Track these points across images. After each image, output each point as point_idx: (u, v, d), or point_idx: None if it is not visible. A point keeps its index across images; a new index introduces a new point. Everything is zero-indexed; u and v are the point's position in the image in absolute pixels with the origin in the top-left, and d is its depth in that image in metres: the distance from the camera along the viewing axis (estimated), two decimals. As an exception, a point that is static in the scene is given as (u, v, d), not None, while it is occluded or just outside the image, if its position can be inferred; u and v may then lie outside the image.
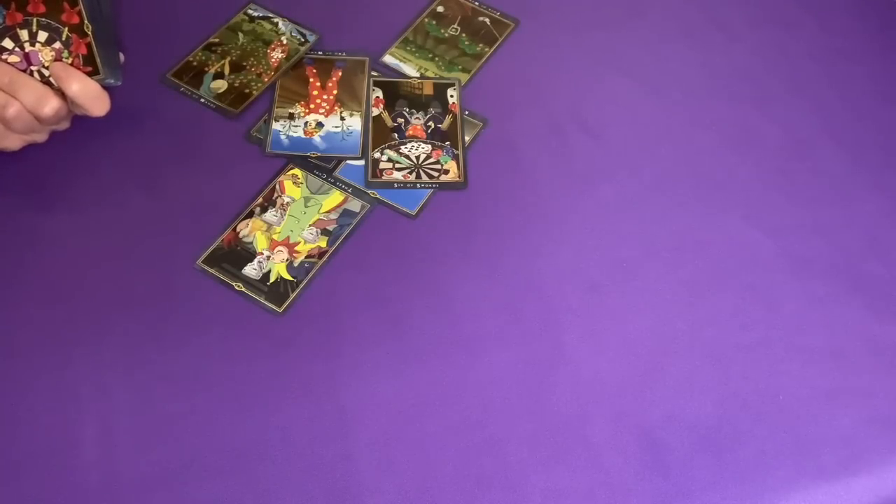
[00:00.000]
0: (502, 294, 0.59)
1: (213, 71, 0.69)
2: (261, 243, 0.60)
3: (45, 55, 0.57)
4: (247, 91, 0.68)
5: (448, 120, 0.68)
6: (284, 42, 0.71)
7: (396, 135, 0.66)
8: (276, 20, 0.73)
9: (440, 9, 0.75)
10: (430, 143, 0.66)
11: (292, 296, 0.58)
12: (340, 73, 0.69)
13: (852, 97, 0.71)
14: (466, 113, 0.68)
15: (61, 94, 0.57)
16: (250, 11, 0.73)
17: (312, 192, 0.63)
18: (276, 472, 0.51)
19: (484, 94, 0.70)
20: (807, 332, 0.58)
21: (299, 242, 0.61)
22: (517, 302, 0.58)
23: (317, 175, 0.64)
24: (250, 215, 0.62)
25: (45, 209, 0.61)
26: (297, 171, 0.64)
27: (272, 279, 0.59)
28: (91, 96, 0.57)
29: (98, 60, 0.58)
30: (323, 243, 0.61)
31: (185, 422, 0.53)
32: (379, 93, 0.69)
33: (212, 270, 0.59)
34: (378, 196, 0.63)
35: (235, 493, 0.50)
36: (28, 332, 0.56)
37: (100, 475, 0.50)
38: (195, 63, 0.70)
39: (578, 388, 0.55)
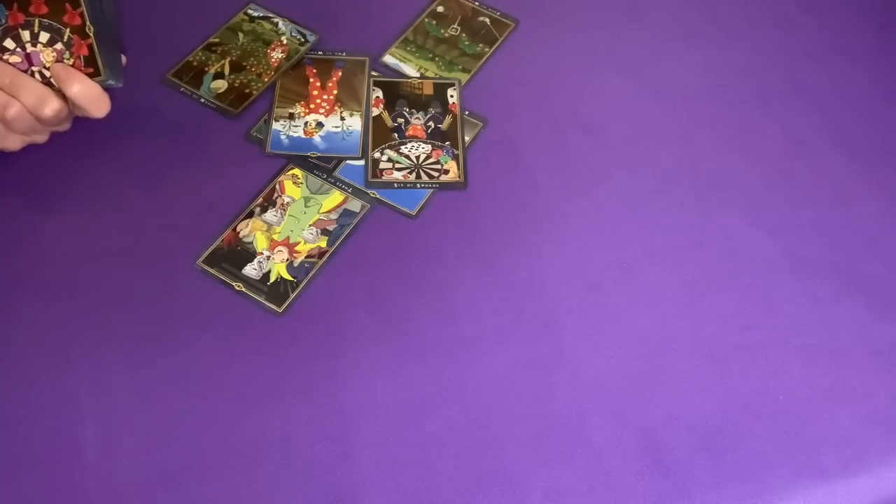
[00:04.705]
0: (502, 294, 0.59)
1: (213, 71, 0.69)
2: (261, 243, 0.60)
3: (47, 56, 0.57)
4: (247, 91, 0.68)
5: (448, 120, 0.68)
6: (284, 42, 0.71)
7: (396, 135, 0.67)
8: (276, 20, 0.73)
9: (440, 9, 0.75)
10: (430, 143, 0.66)
11: (292, 296, 0.58)
12: (340, 73, 0.69)
13: (852, 97, 0.71)
14: (466, 113, 0.68)
15: (62, 95, 0.57)
16: (250, 11, 0.73)
17: (312, 192, 0.63)
18: (276, 472, 0.51)
19: (484, 94, 0.70)
20: (807, 332, 0.58)
21: (299, 242, 0.61)
22: (517, 302, 0.58)
23: (317, 175, 0.64)
24: (250, 215, 0.62)
25: (45, 209, 0.61)
26: (297, 171, 0.64)
27: (272, 279, 0.59)
28: (92, 98, 0.57)
29: (99, 62, 0.58)
30: (323, 243, 0.61)
31: (186, 422, 0.53)
32: (379, 93, 0.69)
33: (212, 270, 0.59)
34: (378, 196, 0.63)
35: (235, 493, 0.50)
36: (28, 332, 0.56)
37: (100, 475, 0.50)
38: (195, 63, 0.70)
39: (578, 388, 0.55)
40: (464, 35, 0.74)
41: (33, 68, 0.57)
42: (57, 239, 0.60)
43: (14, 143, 0.60)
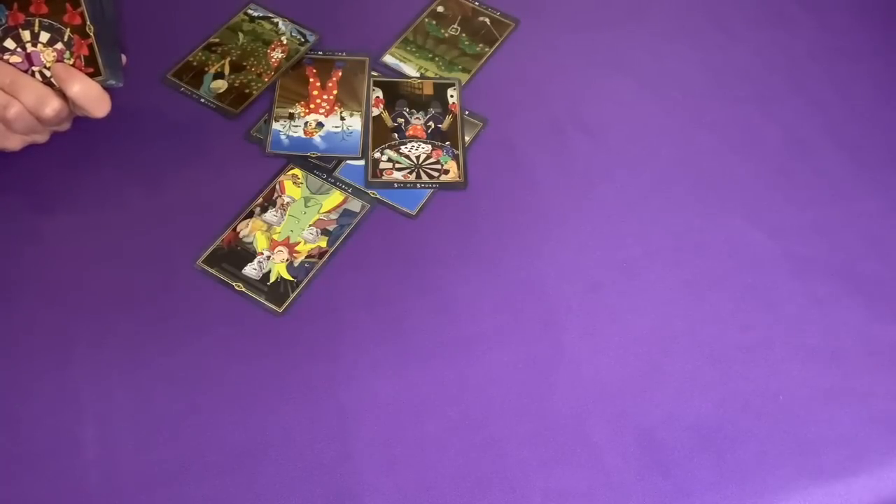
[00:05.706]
0: (502, 294, 0.59)
1: (213, 71, 0.69)
2: (261, 243, 0.60)
3: (47, 56, 0.57)
4: (247, 91, 0.68)
5: (448, 120, 0.68)
6: (284, 42, 0.71)
7: (396, 135, 0.67)
8: (276, 20, 0.73)
9: (440, 9, 0.75)
10: (430, 143, 0.66)
11: (292, 296, 0.58)
12: (340, 73, 0.69)
13: (853, 97, 0.71)
14: (466, 113, 0.68)
15: (62, 94, 0.57)
16: (250, 11, 0.73)
17: (312, 192, 0.63)
18: (276, 472, 0.51)
19: (484, 94, 0.70)
20: (807, 332, 0.58)
21: (299, 242, 0.61)
22: (517, 302, 0.58)
23: (317, 175, 0.64)
24: (250, 215, 0.62)
25: (45, 209, 0.61)
26: (297, 171, 0.64)
27: (272, 279, 0.59)
28: (92, 97, 0.57)
29: (100, 61, 0.58)
30: (323, 243, 0.61)
31: (186, 421, 0.53)
32: (379, 93, 0.69)
33: (212, 270, 0.59)
34: (378, 196, 0.63)
35: (236, 493, 0.50)
36: (28, 332, 0.56)
37: (100, 475, 0.50)
38: (195, 63, 0.70)
39: (578, 388, 0.55)
40: (464, 35, 0.74)
41: (34, 68, 0.57)
42: (57, 239, 0.60)
43: (14, 143, 0.60)
